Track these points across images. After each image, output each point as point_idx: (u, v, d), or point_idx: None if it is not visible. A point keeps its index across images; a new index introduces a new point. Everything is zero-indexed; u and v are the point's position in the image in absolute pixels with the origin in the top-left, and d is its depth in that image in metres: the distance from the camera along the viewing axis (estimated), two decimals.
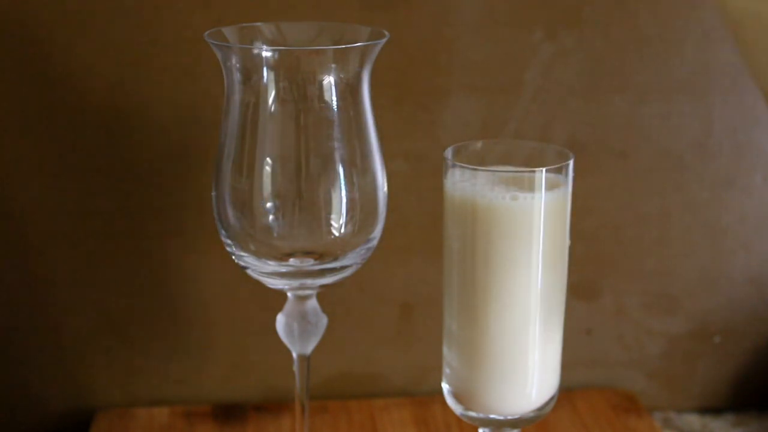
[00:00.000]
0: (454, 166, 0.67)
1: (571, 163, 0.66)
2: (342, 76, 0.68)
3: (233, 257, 0.72)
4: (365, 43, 0.69)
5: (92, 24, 0.84)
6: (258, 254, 0.70)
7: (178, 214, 0.89)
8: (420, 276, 0.92)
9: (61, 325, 0.91)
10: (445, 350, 0.70)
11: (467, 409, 0.70)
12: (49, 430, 0.93)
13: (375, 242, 0.72)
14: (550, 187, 0.65)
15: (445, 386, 0.71)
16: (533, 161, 0.68)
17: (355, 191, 0.70)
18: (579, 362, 0.95)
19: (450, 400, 0.71)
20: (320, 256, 0.71)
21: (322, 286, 0.72)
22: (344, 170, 0.69)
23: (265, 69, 0.68)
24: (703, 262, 0.94)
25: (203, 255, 0.90)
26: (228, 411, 0.92)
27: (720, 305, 0.95)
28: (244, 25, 0.72)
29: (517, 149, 0.69)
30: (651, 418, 0.91)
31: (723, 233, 0.93)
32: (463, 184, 0.66)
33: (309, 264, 0.71)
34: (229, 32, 0.71)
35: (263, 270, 0.71)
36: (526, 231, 0.65)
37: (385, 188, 0.72)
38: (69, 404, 0.93)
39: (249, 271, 0.72)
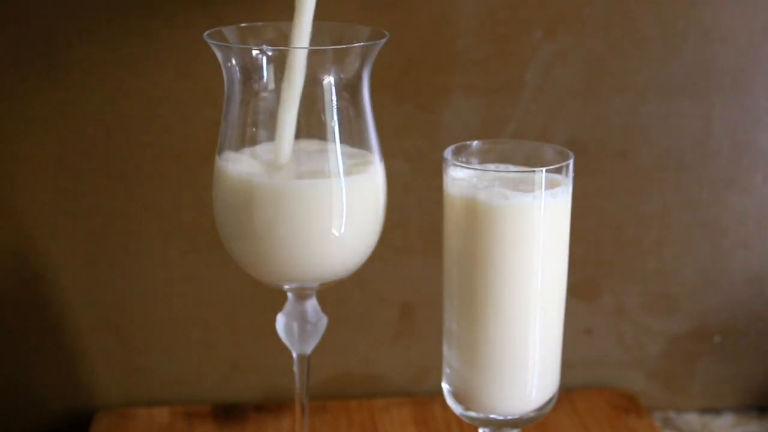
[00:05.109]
0: (454, 165, 0.67)
1: (571, 163, 0.66)
2: (342, 76, 0.68)
3: (233, 256, 0.72)
4: (365, 43, 0.69)
5: (92, 24, 0.84)
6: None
7: (178, 214, 0.89)
8: (420, 276, 0.92)
9: (61, 325, 0.91)
10: (445, 350, 0.70)
11: (467, 409, 0.70)
12: (49, 430, 0.93)
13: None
14: (550, 186, 0.65)
15: (445, 386, 0.71)
16: (533, 161, 0.68)
17: (355, 191, 0.70)
18: (579, 362, 0.95)
19: (450, 400, 0.71)
20: None
21: (322, 286, 0.72)
22: (344, 170, 0.69)
23: (265, 69, 0.68)
24: (703, 262, 0.94)
25: (203, 255, 0.90)
26: (228, 411, 0.92)
27: (720, 305, 0.95)
28: (244, 25, 0.72)
29: (517, 149, 0.69)
30: (651, 418, 0.91)
31: (723, 233, 0.93)
32: (463, 184, 0.66)
33: None
34: (229, 32, 0.71)
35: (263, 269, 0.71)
36: (526, 231, 0.65)
37: (385, 188, 0.72)
38: (69, 404, 0.93)
39: (249, 271, 0.72)
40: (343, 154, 0.68)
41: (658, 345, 0.95)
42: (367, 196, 0.70)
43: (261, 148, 0.69)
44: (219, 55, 0.69)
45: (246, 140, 0.69)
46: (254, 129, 0.69)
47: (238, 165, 0.68)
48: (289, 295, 0.73)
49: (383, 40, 0.69)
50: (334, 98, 0.68)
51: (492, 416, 0.69)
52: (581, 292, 0.93)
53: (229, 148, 0.70)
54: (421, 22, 0.86)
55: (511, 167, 0.68)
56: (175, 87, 0.86)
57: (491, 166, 0.69)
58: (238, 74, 0.69)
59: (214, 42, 0.68)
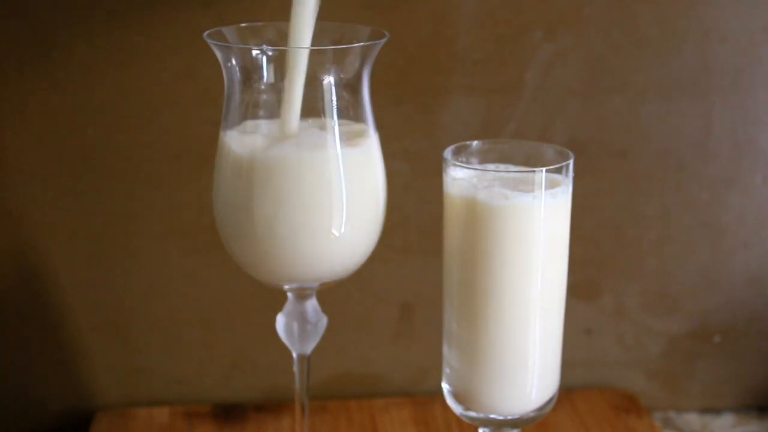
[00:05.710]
0: (454, 165, 0.67)
1: (571, 162, 0.66)
2: (342, 76, 0.68)
3: (233, 256, 0.72)
4: (365, 43, 0.69)
5: (92, 24, 0.84)
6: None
7: (178, 214, 0.89)
8: (420, 276, 0.92)
9: (61, 325, 0.91)
10: (445, 350, 0.70)
11: (467, 409, 0.70)
12: (49, 430, 0.93)
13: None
14: (550, 186, 0.65)
15: (445, 386, 0.71)
16: (533, 161, 0.68)
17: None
18: (579, 362, 0.95)
19: (450, 400, 0.71)
20: None
21: (322, 286, 0.72)
22: (344, 169, 0.69)
23: (265, 69, 0.68)
24: (703, 262, 0.94)
25: (203, 255, 0.90)
26: (228, 411, 0.92)
27: (720, 305, 0.95)
28: (244, 25, 0.72)
29: (517, 149, 0.69)
30: (651, 418, 0.91)
31: (723, 233, 0.93)
32: (463, 183, 0.66)
33: None
34: (229, 32, 0.71)
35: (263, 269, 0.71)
36: (526, 231, 0.65)
37: (385, 188, 0.72)
38: (69, 404, 0.93)
39: (249, 271, 0.72)
40: (342, 143, 0.68)
41: (658, 345, 0.95)
42: (366, 178, 0.69)
43: (263, 129, 0.69)
44: (219, 55, 0.69)
45: None
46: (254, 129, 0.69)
47: (240, 143, 0.68)
48: (289, 295, 0.73)
49: (383, 40, 0.69)
50: (334, 98, 0.68)
51: (492, 416, 0.69)
52: (581, 292, 0.93)
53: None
54: (421, 22, 0.86)
55: (511, 167, 0.68)
56: (175, 87, 0.86)
57: (491, 166, 0.69)
58: (238, 74, 0.69)
59: (214, 42, 0.68)
